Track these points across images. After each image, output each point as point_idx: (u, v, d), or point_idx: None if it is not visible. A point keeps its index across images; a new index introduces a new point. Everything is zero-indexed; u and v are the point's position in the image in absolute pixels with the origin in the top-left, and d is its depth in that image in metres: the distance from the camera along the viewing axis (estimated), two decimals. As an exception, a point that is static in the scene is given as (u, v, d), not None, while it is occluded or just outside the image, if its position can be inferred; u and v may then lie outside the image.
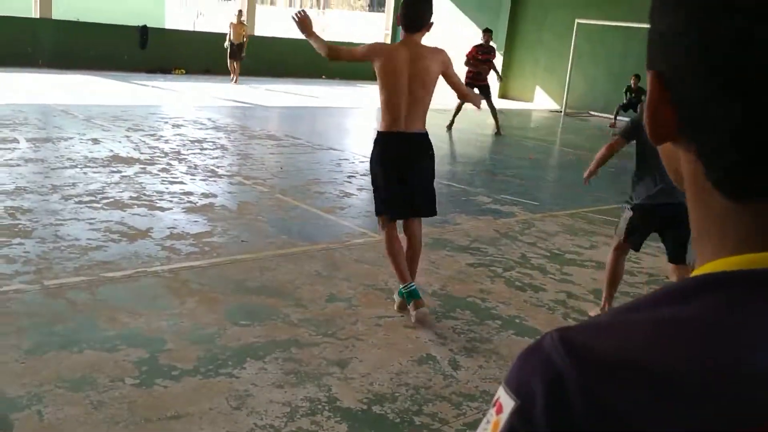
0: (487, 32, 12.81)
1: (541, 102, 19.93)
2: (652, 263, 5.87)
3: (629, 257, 5.90)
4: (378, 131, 4.29)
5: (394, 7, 23.70)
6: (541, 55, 19.92)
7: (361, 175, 8.36)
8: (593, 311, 4.61)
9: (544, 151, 12.57)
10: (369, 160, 4.39)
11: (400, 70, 4.08)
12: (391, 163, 4.22)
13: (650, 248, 6.28)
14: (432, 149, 4.35)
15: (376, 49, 4.24)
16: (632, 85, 15.91)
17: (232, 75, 17.04)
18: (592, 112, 17.56)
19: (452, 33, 21.91)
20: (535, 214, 7.18)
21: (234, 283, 4.56)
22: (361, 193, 7.57)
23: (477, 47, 12.75)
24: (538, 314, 4.53)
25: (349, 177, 8.12)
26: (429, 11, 4.14)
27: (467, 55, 12.65)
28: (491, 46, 12.76)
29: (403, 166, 4.23)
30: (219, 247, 5.24)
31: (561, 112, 18.11)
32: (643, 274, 5.59)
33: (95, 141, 8.66)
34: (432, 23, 4.19)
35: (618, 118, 16.15)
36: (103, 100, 12.61)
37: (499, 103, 19.24)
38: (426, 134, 4.29)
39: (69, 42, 16.76)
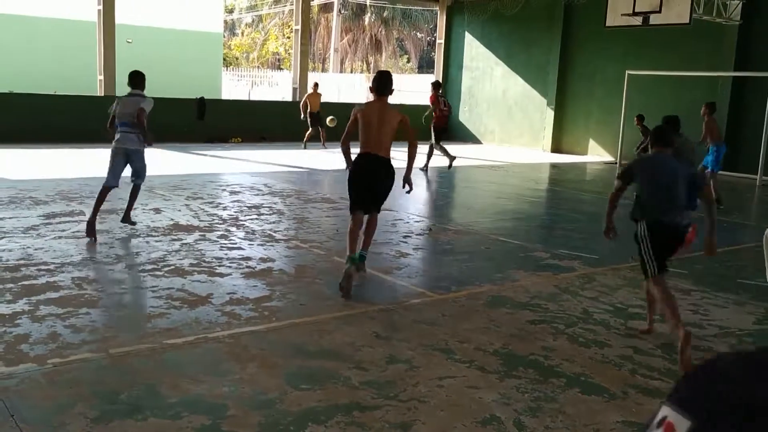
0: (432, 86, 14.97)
1: (596, 154, 19.77)
2: (721, 315, 5.66)
3: (696, 310, 5.74)
4: (358, 154, 6.15)
5: (444, 69, 24.05)
6: (593, 108, 19.85)
7: (416, 234, 8.37)
8: (677, 335, 4.51)
9: (600, 204, 12.37)
10: (348, 174, 6.29)
11: (372, 119, 6.04)
12: (362, 173, 6.11)
13: (719, 299, 6.09)
14: (392, 171, 6.13)
15: (355, 112, 6.20)
16: (639, 126, 16.01)
17: (304, 143, 17.57)
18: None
19: (505, 89, 22.09)
20: (596, 268, 7.04)
21: (294, 347, 4.56)
22: (417, 253, 7.56)
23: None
24: (604, 371, 4.39)
25: (404, 237, 8.13)
26: (390, 84, 6.28)
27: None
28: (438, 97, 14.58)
29: (371, 176, 6.09)
30: (278, 311, 5.27)
31: (616, 163, 17.90)
32: (713, 326, 5.38)
33: (157, 210, 8.91)
34: (393, 90, 6.29)
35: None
36: (164, 170, 13.00)
37: (553, 157, 19.17)
38: (389, 160, 6.15)
39: (131, 117, 17.45)
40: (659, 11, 14.56)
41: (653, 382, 4.25)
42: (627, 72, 17.38)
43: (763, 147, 14.76)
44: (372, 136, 6.03)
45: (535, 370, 4.35)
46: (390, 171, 6.11)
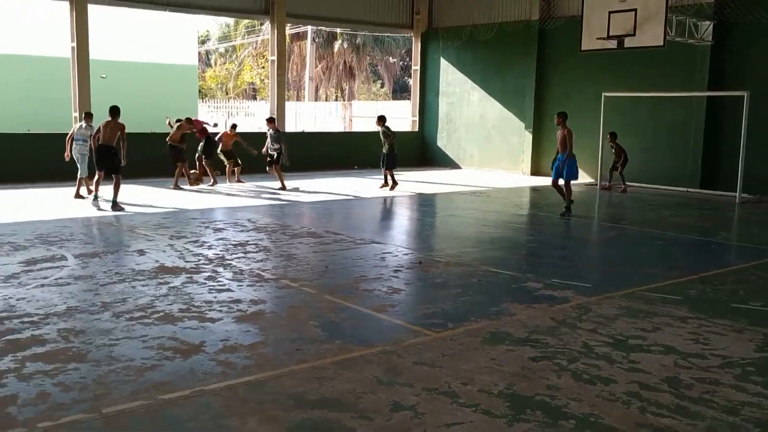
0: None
1: (575, 176, 19.83)
2: (722, 343, 5.61)
3: (697, 339, 5.68)
4: (99, 144, 12.59)
5: (420, 95, 24.13)
6: (571, 130, 19.92)
7: (407, 268, 8.27)
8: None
9: (585, 228, 12.40)
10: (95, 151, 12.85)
11: (107, 128, 12.52)
12: (102, 152, 12.54)
13: (717, 326, 6.04)
14: (115, 152, 12.61)
15: (99, 125, 12.72)
16: (611, 144, 16.87)
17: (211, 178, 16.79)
18: (629, 183, 17.40)
19: (483, 114, 22.20)
20: (590, 298, 6.98)
21: (293, 397, 4.42)
22: (409, 288, 7.45)
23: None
24: (613, 410, 4.30)
25: (395, 271, 8.02)
26: (118, 112, 12.68)
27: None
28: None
29: (107, 155, 12.54)
30: (274, 358, 5.12)
31: (596, 184, 18.00)
32: (715, 356, 5.32)
33: (141, 252, 8.72)
34: (119, 114, 12.68)
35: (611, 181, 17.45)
36: (145, 208, 12.82)
37: (533, 180, 19.20)
38: (112, 146, 12.50)
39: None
40: (633, 34, 14.72)
41: (664, 420, 4.16)
42: (603, 94, 17.53)
43: (741, 164, 14.92)
44: (106, 135, 12.45)
45: (543, 412, 4.25)
46: (113, 151, 12.49)
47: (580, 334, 5.81)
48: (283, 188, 15.95)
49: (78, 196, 13.80)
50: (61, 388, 4.47)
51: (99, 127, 12.73)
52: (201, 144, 16.80)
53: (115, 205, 12.30)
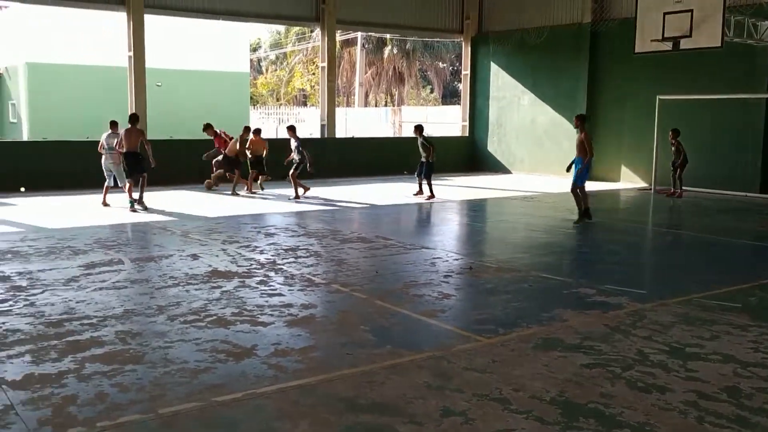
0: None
1: (629, 180, 19.51)
2: (784, 353, 5.43)
3: (757, 348, 5.52)
4: (125, 151, 13.24)
5: (470, 100, 24.03)
6: (624, 134, 19.63)
7: (457, 274, 8.24)
8: None
9: (639, 233, 12.17)
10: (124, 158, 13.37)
11: (131, 135, 13.31)
12: (129, 158, 13.27)
13: (778, 335, 5.86)
14: (142, 157, 13.46)
15: (121, 134, 13.29)
16: (672, 142, 16.13)
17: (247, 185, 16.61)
18: (684, 188, 17.01)
19: (534, 118, 22.00)
20: (645, 304, 6.84)
21: (344, 401, 4.44)
22: (459, 293, 7.42)
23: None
24: (669, 419, 4.20)
25: (445, 277, 8.00)
26: (137, 120, 13.81)
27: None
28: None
29: (134, 160, 13.34)
30: (324, 362, 5.16)
31: (650, 189, 17.65)
32: (776, 366, 5.16)
33: (194, 257, 8.88)
34: (138, 121, 13.82)
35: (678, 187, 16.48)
36: (198, 213, 13.05)
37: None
38: (138, 152, 13.37)
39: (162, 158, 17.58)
40: (689, 35, 14.40)
41: (723, 431, 4.05)
42: (658, 97, 17.20)
43: (803, 168, 14.46)
44: (131, 143, 13.21)
45: (597, 420, 4.18)
46: (140, 156, 13.33)
47: (634, 341, 5.70)
48: (297, 197, 15.25)
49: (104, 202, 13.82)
50: (119, 388, 4.59)
51: (121, 136, 13.23)
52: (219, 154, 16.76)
53: (140, 202, 13.31)
